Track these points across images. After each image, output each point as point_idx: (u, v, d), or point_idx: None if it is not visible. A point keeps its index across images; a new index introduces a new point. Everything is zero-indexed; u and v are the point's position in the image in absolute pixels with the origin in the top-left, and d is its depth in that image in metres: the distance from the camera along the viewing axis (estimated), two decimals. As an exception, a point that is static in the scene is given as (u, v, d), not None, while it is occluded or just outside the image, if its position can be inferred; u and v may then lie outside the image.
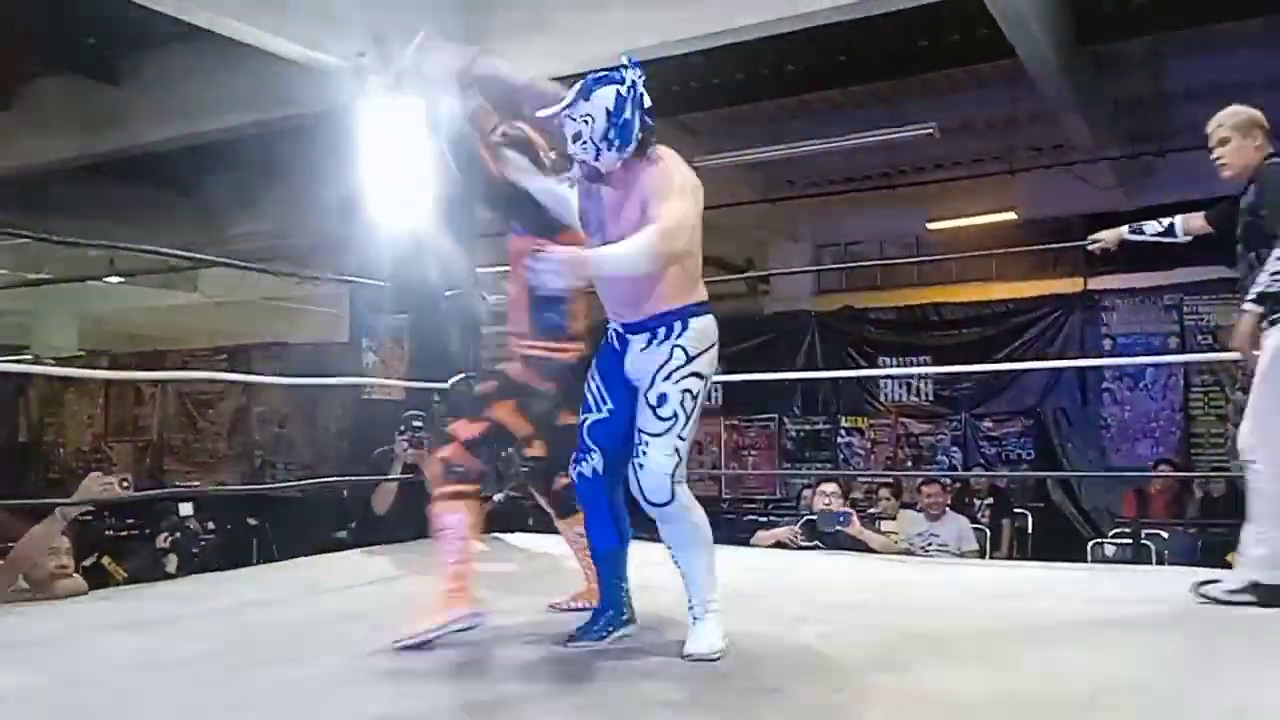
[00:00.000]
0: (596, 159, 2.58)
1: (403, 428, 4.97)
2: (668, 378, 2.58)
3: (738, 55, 6.51)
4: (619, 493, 2.80)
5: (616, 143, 2.56)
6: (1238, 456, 3.25)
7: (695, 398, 2.60)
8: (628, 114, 2.56)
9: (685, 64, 6.62)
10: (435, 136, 3.44)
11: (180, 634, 3.01)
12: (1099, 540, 6.60)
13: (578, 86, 2.59)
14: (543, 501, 3.38)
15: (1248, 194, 3.25)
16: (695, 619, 2.63)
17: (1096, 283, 9.20)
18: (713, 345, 2.66)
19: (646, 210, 2.54)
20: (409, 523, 4.95)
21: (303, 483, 8.43)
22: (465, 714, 2.20)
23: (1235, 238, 3.31)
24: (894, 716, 2.14)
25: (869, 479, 8.48)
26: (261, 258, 9.90)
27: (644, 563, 3.49)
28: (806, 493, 7.39)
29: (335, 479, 5.68)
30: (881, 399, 9.69)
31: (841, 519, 5.49)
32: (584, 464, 2.75)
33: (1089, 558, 6.22)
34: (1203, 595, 3.16)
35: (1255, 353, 3.13)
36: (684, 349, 2.59)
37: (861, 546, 5.48)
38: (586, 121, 2.55)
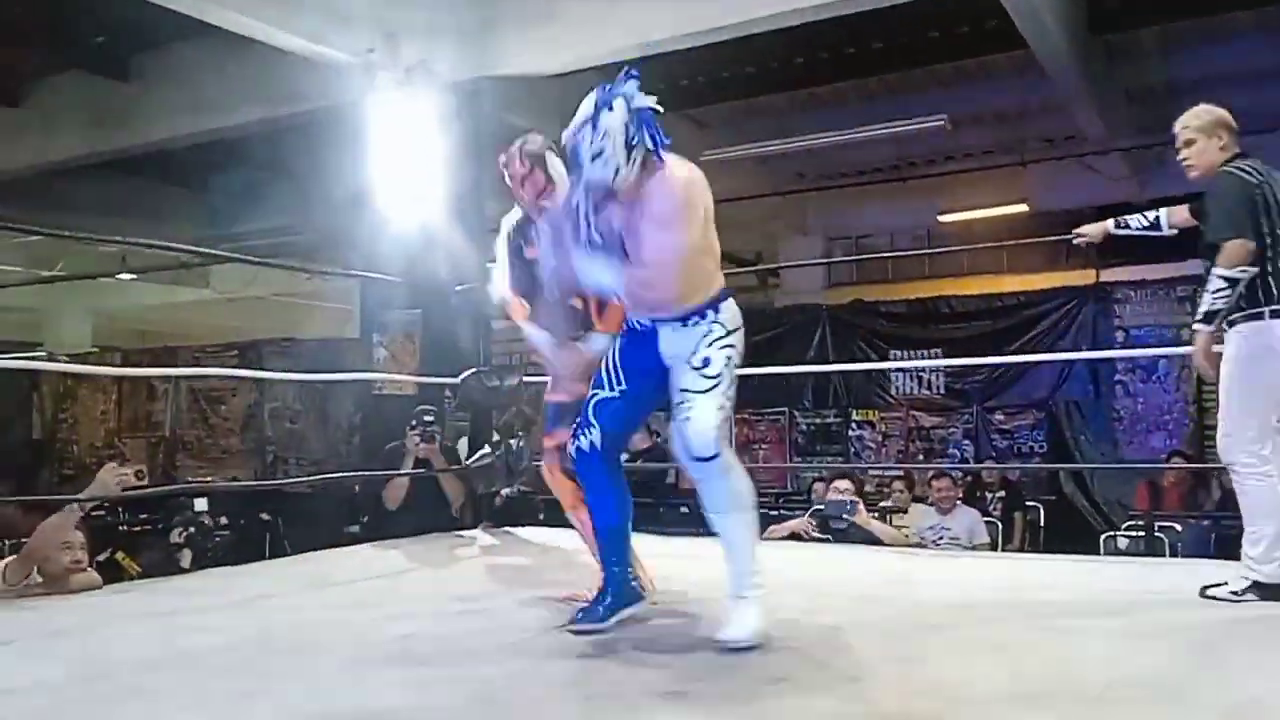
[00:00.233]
0: (615, 176, 2.55)
1: (414, 422, 4.98)
2: (710, 344, 2.61)
3: (748, 48, 6.49)
4: (618, 471, 2.81)
5: (635, 157, 2.54)
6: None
7: (736, 366, 2.63)
8: (636, 135, 2.54)
9: (695, 57, 6.62)
10: None
11: (195, 626, 3.02)
12: (1111, 533, 6.57)
13: (590, 103, 2.57)
14: None
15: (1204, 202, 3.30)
16: (736, 598, 2.60)
17: (1109, 274, 9.17)
18: (742, 327, 2.69)
19: (653, 232, 2.55)
20: (420, 517, 4.98)
21: (315, 478, 8.47)
22: (477, 704, 2.20)
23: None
24: (905, 707, 2.14)
25: (880, 473, 8.46)
26: (272, 254, 9.95)
27: (660, 555, 3.51)
28: (818, 486, 7.39)
29: (347, 474, 5.69)
30: (892, 392, 9.65)
31: (848, 507, 5.50)
32: (582, 437, 2.75)
33: (1101, 550, 6.19)
34: (1209, 598, 3.15)
35: (1208, 366, 3.22)
36: (721, 324, 2.64)
37: (870, 537, 5.48)
38: (605, 137, 2.53)
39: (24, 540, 3.68)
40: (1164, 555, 5.46)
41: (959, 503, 6.31)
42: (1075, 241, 3.92)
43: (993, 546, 6.22)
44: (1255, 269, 3.12)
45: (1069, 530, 7.44)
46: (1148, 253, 7.34)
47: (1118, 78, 8.13)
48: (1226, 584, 3.16)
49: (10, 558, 3.63)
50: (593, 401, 2.76)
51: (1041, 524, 7.29)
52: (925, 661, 2.50)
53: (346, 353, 8.89)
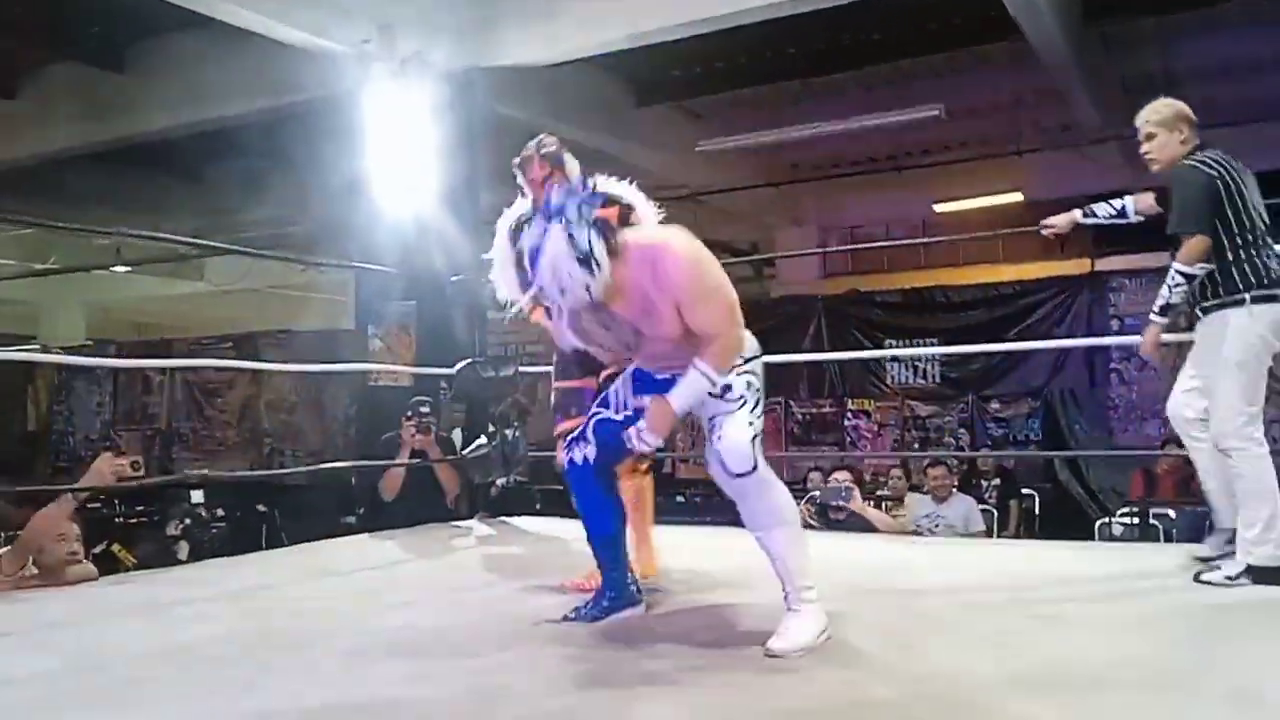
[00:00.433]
0: (589, 293, 2.42)
1: (409, 413, 4.98)
2: (729, 372, 2.57)
3: (742, 39, 6.50)
4: (612, 483, 2.83)
5: (596, 270, 2.39)
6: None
7: (758, 391, 2.59)
8: (587, 236, 2.39)
9: (689, 48, 6.61)
10: None
11: (192, 617, 3.03)
12: (1106, 520, 6.59)
13: (525, 257, 2.49)
14: None
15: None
16: (790, 609, 2.55)
17: (1104, 263, 9.17)
18: (760, 355, 2.66)
19: (683, 312, 2.46)
20: (416, 507, 4.99)
21: (310, 468, 8.47)
22: (473, 694, 2.21)
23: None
24: (902, 695, 2.15)
25: (877, 462, 8.48)
26: (267, 245, 9.94)
27: (665, 546, 3.51)
28: (814, 475, 7.40)
29: (342, 465, 5.70)
30: (888, 381, 9.66)
31: (843, 493, 5.52)
32: (576, 450, 2.75)
33: (1096, 537, 6.22)
34: (1203, 583, 3.18)
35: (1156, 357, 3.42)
36: (741, 355, 2.59)
37: (866, 525, 5.50)
38: (559, 275, 2.39)
39: (19, 533, 3.67)
40: (1159, 541, 5.48)
41: (954, 491, 6.33)
42: (1044, 232, 3.94)
43: (988, 534, 6.25)
44: (1214, 264, 3.18)
45: (1064, 517, 7.46)
46: (1143, 241, 7.33)
47: (1113, 67, 8.13)
48: (1220, 569, 3.19)
49: (4, 549, 3.62)
50: (595, 419, 2.76)
51: (1037, 511, 7.31)
52: (921, 649, 2.51)
53: (342, 344, 8.88)
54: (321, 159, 6.74)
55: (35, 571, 3.52)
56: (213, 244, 7.69)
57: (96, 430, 12.93)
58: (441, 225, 5.58)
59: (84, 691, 2.29)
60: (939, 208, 10.32)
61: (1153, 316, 3.30)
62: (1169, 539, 5.51)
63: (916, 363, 9.47)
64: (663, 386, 2.58)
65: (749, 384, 2.58)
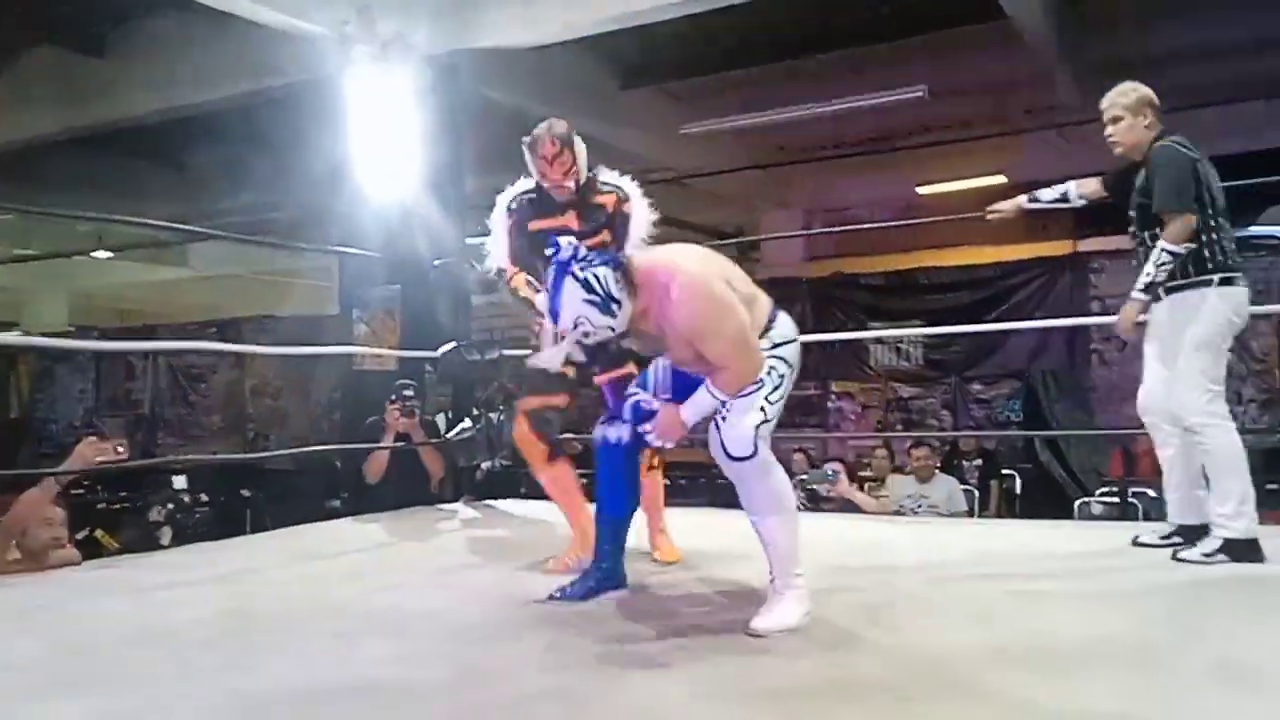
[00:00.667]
0: (614, 330, 2.50)
1: (393, 396, 4.99)
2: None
3: (727, 20, 6.47)
4: (635, 470, 2.89)
5: (615, 305, 2.46)
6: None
7: (781, 376, 2.60)
8: (600, 279, 2.44)
9: (674, 30, 6.59)
10: None
11: (176, 601, 3.03)
12: (1086, 499, 6.66)
13: (545, 305, 2.54)
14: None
15: (1140, 176, 3.37)
16: (775, 592, 2.57)
17: (1086, 245, 9.22)
18: (794, 340, 2.67)
19: (694, 343, 2.50)
20: (400, 490, 5.00)
21: (293, 450, 8.45)
22: (459, 676, 2.22)
23: (1131, 213, 3.44)
24: (885, 672, 2.17)
25: (860, 443, 8.52)
26: (250, 231, 9.88)
27: (643, 526, 3.53)
28: (797, 457, 7.44)
29: (325, 448, 5.69)
30: (871, 363, 9.70)
31: (831, 475, 5.55)
32: (611, 430, 2.82)
33: (1076, 516, 6.28)
34: (1180, 560, 3.22)
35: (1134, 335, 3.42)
36: (770, 339, 2.61)
37: (851, 507, 5.54)
38: (581, 323, 2.46)
39: (1, 519, 3.66)
40: (1137, 520, 5.53)
41: (937, 471, 6.38)
42: (989, 218, 3.97)
43: (970, 514, 6.30)
44: (1193, 244, 3.23)
45: (1045, 497, 7.52)
46: (1123, 223, 7.39)
47: (1094, 49, 8.14)
48: (1196, 546, 3.23)
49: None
50: (632, 400, 2.77)
51: (1018, 491, 7.37)
52: (904, 627, 2.54)
53: (327, 329, 8.85)
54: (304, 143, 6.70)
55: (18, 556, 3.52)
56: (195, 229, 7.65)
57: (79, 417, 12.86)
58: (426, 209, 5.57)
59: (66, 675, 2.29)
60: (923, 190, 10.34)
61: (1135, 294, 3.32)
62: (1148, 518, 5.56)
63: (900, 345, 9.50)
64: (691, 379, 2.61)
65: (770, 369, 2.58)
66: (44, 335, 11.87)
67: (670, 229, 3.47)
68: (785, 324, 2.67)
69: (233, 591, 3.20)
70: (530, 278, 3.34)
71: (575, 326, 2.47)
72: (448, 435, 5.19)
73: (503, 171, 3.56)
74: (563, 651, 2.39)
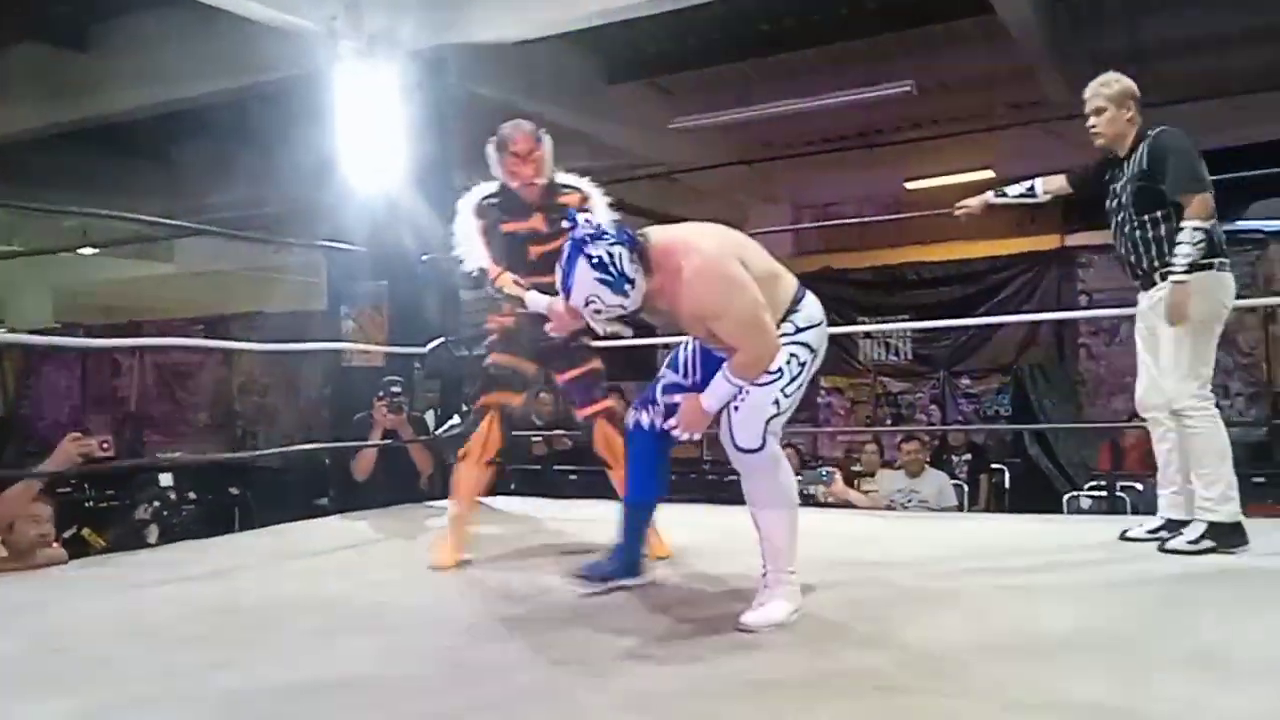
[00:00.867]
0: (626, 309, 2.52)
1: (381, 393, 4.97)
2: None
3: (714, 15, 6.46)
4: (665, 454, 2.87)
5: (627, 285, 2.47)
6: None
7: (802, 364, 2.59)
8: (614, 257, 2.46)
9: (661, 25, 6.59)
10: None
11: (162, 599, 3.02)
12: (1074, 493, 6.67)
13: (559, 282, 2.54)
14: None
15: (1132, 161, 3.37)
16: (765, 587, 2.57)
17: (1073, 239, 9.24)
18: (821, 323, 2.66)
19: (713, 332, 2.53)
20: (389, 487, 4.98)
21: (280, 449, 8.43)
22: (445, 672, 2.22)
23: (1117, 202, 3.43)
24: (873, 664, 2.17)
25: (849, 439, 8.53)
26: (238, 227, 9.84)
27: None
28: (787, 452, 7.42)
29: (313, 446, 5.67)
30: (860, 359, 9.71)
31: (825, 476, 5.55)
32: (643, 414, 2.81)
33: (1065, 510, 6.29)
34: (1168, 550, 3.24)
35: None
36: (794, 324, 2.60)
37: (845, 506, 5.54)
38: (592, 301, 2.48)
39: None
40: (1126, 514, 5.55)
41: (927, 466, 6.39)
42: (957, 213, 3.99)
43: (960, 508, 6.31)
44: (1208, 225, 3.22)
45: (1033, 491, 7.54)
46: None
47: (1081, 43, 8.16)
48: (1181, 535, 3.25)
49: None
50: (662, 383, 2.79)
51: (1007, 486, 7.38)
52: (892, 620, 2.54)
53: (314, 326, 8.82)
54: (291, 139, 6.67)
55: (4, 554, 3.50)
56: (181, 224, 7.59)
57: (65, 415, 12.80)
58: (413, 205, 5.54)
59: (50, 673, 2.28)
60: (910, 185, 10.33)
61: (1184, 277, 3.19)
62: (1135, 511, 5.58)
63: (888, 340, 9.52)
64: (719, 359, 2.61)
65: (790, 357, 2.57)
66: (29, 332, 11.81)
67: (659, 224, 3.46)
68: (812, 305, 2.66)
69: (218, 589, 3.19)
70: (516, 276, 3.34)
71: (587, 304, 2.48)
72: (437, 432, 5.18)
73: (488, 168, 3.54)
74: (549, 648, 2.38)
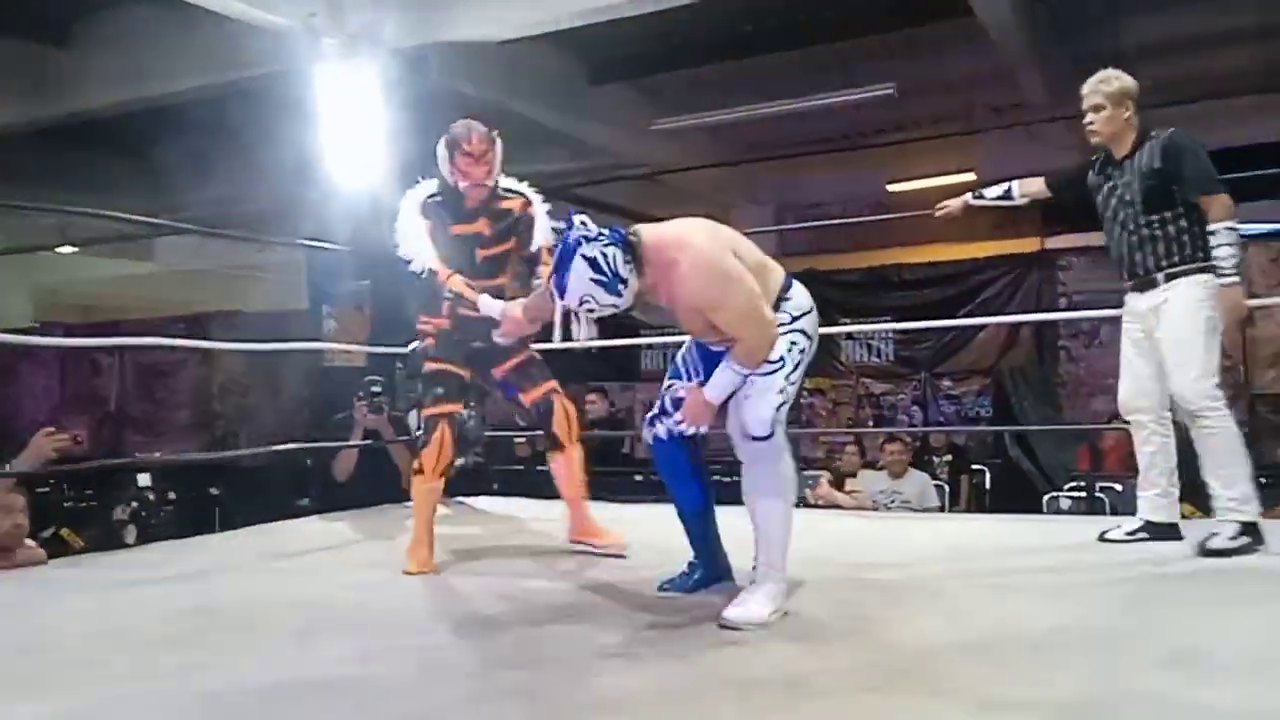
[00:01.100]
0: (619, 308, 2.55)
1: (361, 393, 4.95)
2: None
3: (697, 17, 6.46)
4: (697, 454, 2.87)
5: (621, 285, 2.50)
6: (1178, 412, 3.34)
7: (802, 351, 2.63)
8: (608, 258, 2.48)
9: (645, 26, 6.57)
10: None
11: (142, 599, 3.00)
12: (1054, 494, 6.71)
13: (551, 283, 2.56)
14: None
15: (1137, 160, 3.36)
16: (753, 580, 2.59)
17: (1054, 242, 9.29)
18: (812, 310, 2.70)
19: (712, 324, 2.57)
20: (370, 489, 4.95)
21: (260, 449, 8.38)
22: (426, 673, 2.21)
23: (1117, 201, 3.40)
24: (854, 664, 2.18)
25: (830, 439, 8.56)
26: (217, 225, 9.77)
27: (615, 520, 3.52)
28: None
29: (294, 446, 5.65)
30: (843, 360, 9.75)
31: (810, 481, 5.56)
32: (659, 425, 2.81)
33: (1044, 510, 6.32)
34: (1209, 552, 3.17)
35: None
36: (787, 313, 2.64)
37: (832, 507, 5.56)
38: (587, 301, 2.50)
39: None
40: (1105, 514, 5.58)
41: (909, 467, 6.41)
42: (938, 214, 4.02)
43: (942, 509, 6.33)
44: (1196, 231, 3.24)
45: (1014, 492, 7.57)
46: (1091, 220, 7.45)
47: (1063, 45, 8.19)
48: (1217, 536, 3.20)
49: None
50: (668, 392, 2.81)
51: (987, 486, 7.41)
52: (874, 619, 2.55)
53: (296, 325, 8.79)
54: (271, 137, 6.63)
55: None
56: (160, 222, 7.53)
57: (44, 415, 12.69)
58: (395, 204, 5.52)
59: (27, 675, 2.25)
60: (892, 187, 10.36)
61: (1233, 280, 3.21)
62: (1114, 512, 5.61)
63: (870, 341, 9.56)
64: (718, 356, 2.63)
65: (791, 345, 2.61)
66: (6, 331, 11.72)
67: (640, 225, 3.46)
68: (800, 294, 2.70)
69: (196, 589, 3.17)
70: (466, 278, 3.33)
71: (581, 304, 2.50)
72: (419, 432, 5.15)
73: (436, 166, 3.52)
74: (528, 647, 2.38)
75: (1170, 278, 3.28)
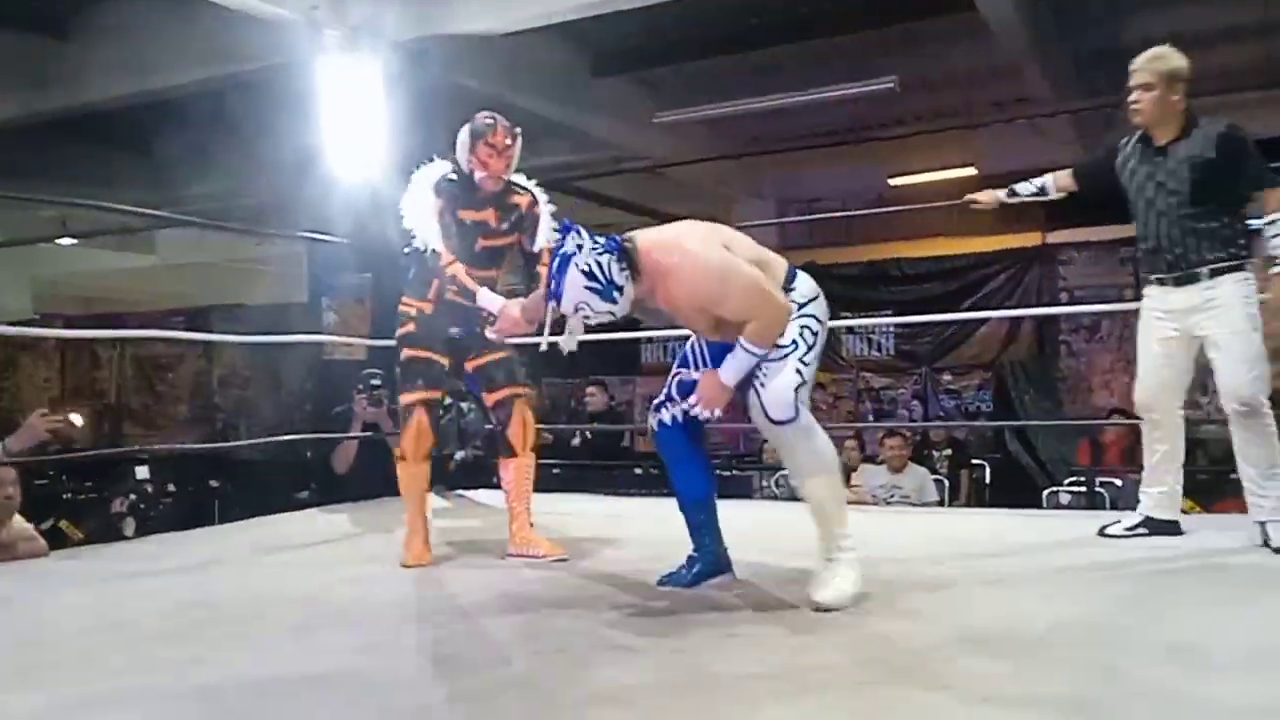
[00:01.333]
0: (615, 314, 2.58)
1: (360, 386, 4.95)
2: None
3: (699, 10, 6.45)
4: (700, 443, 2.89)
5: (616, 292, 2.53)
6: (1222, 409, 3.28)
7: (814, 334, 2.65)
8: (602, 266, 2.51)
9: (646, 19, 6.56)
10: None
11: (141, 592, 3.00)
12: (1054, 488, 6.71)
13: (548, 293, 2.57)
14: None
15: (1183, 148, 3.23)
16: (826, 560, 2.61)
17: (1055, 236, 9.28)
18: (819, 296, 2.71)
19: (712, 311, 2.58)
20: (370, 481, 4.96)
21: (260, 440, 8.37)
22: (426, 665, 2.21)
23: (1156, 189, 3.27)
24: (854, 657, 2.18)
25: (830, 433, 8.55)
26: (218, 218, 9.77)
27: (615, 514, 3.52)
28: (768, 446, 7.44)
29: (293, 437, 5.65)
30: (843, 353, 9.74)
31: None
32: (664, 411, 2.83)
33: (1044, 505, 6.33)
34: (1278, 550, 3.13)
35: None
36: (796, 301, 2.65)
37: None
38: (582, 308, 2.53)
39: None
40: (1104, 509, 5.58)
41: (909, 461, 6.41)
42: (972, 207, 3.99)
43: (941, 503, 6.33)
44: (1240, 224, 3.20)
45: (1013, 486, 7.58)
46: (1092, 215, 7.44)
47: (1065, 40, 8.18)
48: (1270, 536, 3.16)
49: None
50: (675, 379, 2.82)
51: (987, 481, 7.41)
52: (873, 614, 2.55)
53: (296, 318, 8.78)
54: (272, 130, 6.62)
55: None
56: (161, 215, 7.53)
57: (45, 406, 12.69)
58: (396, 196, 5.51)
59: (27, 666, 2.25)
60: (894, 182, 10.35)
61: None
62: (1114, 506, 5.62)
63: (871, 335, 9.55)
64: (726, 347, 2.63)
65: (803, 329, 2.63)
66: (7, 323, 11.72)
67: (644, 218, 3.48)
68: (805, 282, 2.72)
69: (195, 582, 3.17)
70: (468, 267, 3.32)
71: (576, 311, 2.54)
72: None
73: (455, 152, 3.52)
74: (528, 641, 2.38)
75: (1215, 274, 3.18)
